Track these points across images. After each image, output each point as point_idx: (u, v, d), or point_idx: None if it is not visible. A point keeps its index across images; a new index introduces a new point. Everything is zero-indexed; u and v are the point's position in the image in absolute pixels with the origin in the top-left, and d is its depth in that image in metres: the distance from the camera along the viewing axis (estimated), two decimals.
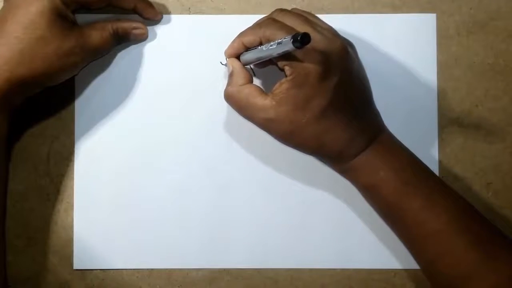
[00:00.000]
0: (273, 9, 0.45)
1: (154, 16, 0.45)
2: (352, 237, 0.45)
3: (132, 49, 0.45)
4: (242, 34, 0.41)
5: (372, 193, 0.41)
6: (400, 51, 0.46)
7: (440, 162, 0.45)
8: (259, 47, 0.39)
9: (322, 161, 0.44)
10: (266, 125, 0.40)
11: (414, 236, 0.40)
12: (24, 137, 0.45)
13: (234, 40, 0.41)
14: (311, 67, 0.37)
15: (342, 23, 0.45)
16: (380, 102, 0.43)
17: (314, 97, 0.38)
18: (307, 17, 0.40)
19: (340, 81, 0.38)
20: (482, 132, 0.46)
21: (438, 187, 0.41)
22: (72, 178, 0.45)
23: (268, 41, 0.38)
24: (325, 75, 0.38)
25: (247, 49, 0.41)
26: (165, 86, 0.46)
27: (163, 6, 0.46)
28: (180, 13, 0.46)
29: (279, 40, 0.36)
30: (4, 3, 0.40)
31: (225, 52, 0.42)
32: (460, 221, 0.39)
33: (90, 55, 0.42)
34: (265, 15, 0.42)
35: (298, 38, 0.34)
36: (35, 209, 0.45)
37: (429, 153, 0.45)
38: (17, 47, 0.38)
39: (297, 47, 0.34)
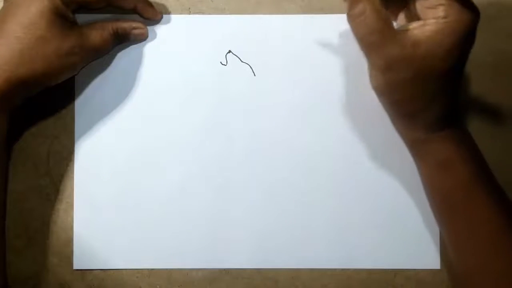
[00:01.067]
0: (273, 9, 0.46)
1: (154, 16, 0.45)
2: (352, 237, 0.45)
3: (132, 49, 0.45)
4: None
5: (445, 172, 0.39)
6: None
7: None
8: None
9: (403, 126, 0.40)
10: (391, 63, 0.35)
11: (473, 225, 0.39)
12: (24, 137, 0.45)
13: None
14: (471, 19, 0.35)
15: (342, 23, 0.45)
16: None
17: (456, 50, 0.35)
18: None
19: (469, 52, 0.36)
20: (482, 132, 0.46)
21: (500, 187, 0.40)
22: (72, 178, 0.45)
23: None
24: (472, 32, 0.35)
25: None
26: (165, 86, 0.46)
27: (163, 6, 0.46)
28: (180, 13, 0.46)
29: None
30: (4, 3, 0.40)
31: None
32: None
33: (90, 55, 0.42)
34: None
35: None
36: (35, 209, 0.45)
37: None
38: (17, 47, 0.38)
39: None
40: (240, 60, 0.45)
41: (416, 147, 0.41)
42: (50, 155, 0.45)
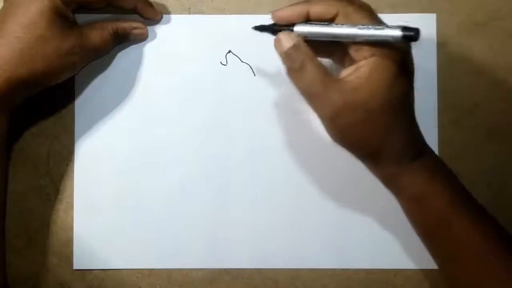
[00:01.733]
0: (273, 9, 0.45)
1: (154, 16, 0.45)
2: (352, 237, 0.45)
3: (132, 49, 0.45)
4: (310, 2, 0.37)
5: (420, 205, 0.39)
6: None
7: None
8: (342, 26, 0.35)
9: (371, 165, 0.40)
10: (335, 113, 0.36)
11: (457, 255, 0.38)
12: (24, 137, 0.45)
13: (297, 5, 0.37)
14: (395, 54, 0.35)
15: None
16: None
17: (393, 86, 0.35)
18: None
19: (412, 75, 0.37)
20: (482, 132, 0.46)
21: (480, 208, 0.39)
22: (72, 178, 0.45)
23: (347, 17, 0.35)
24: (405, 65, 0.36)
25: (306, 21, 0.37)
26: (165, 86, 0.46)
27: (163, 6, 0.46)
28: (180, 13, 0.46)
29: (380, 29, 0.34)
30: (4, 3, 0.40)
31: (275, 15, 0.38)
32: (501, 243, 0.38)
33: (90, 55, 0.42)
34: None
35: (412, 34, 0.32)
36: (35, 209, 0.45)
37: None
38: (17, 47, 0.38)
39: (407, 40, 0.33)
40: (240, 60, 0.45)
41: (388, 182, 0.40)
42: (50, 155, 0.45)
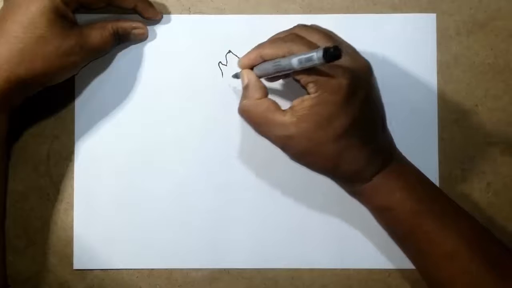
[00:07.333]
0: (273, 9, 0.46)
1: (154, 15, 0.45)
2: (352, 237, 0.45)
3: (132, 49, 0.45)
4: (261, 47, 0.39)
5: (386, 215, 0.41)
6: (400, 51, 0.46)
7: (440, 162, 0.45)
8: (280, 59, 0.37)
9: (336, 182, 0.43)
10: (284, 142, 0.38)
11: (427, 258, 0.40)
12: (24, 137, 0.45)
13: (251, 51, 0.40)
14: (337, 85, 0.36)
15: (342, 23, 0.45)
16: None
17: (338, 116, 0.37)
18: (330, 34, 0.39)
19: (363, 100, 0.38)
20: (482, 132, 0.46)
21: (451, 208, 0.40)
22: (72, 178, 0.45)
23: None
24: (351, 94, 0.37)
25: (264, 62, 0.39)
26: (165, 86, 0.46)
27: (163, 6, 0.46)
28: (180, 13, 0.46)
29: (306, 53, 0.34)
30: (4, 3, 0.40)
31: (239, 63, 0.41)
32: (473, 243, 0.39)
33: (90, 55, 0.42)
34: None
35: (331, 51, 0.32)
36: (35, 209, 0.45)
37: (429, 153, 0.45)
38: (17, 47, 0.38)
39: (328, 61, 0.33)
40: None
41: (353, 196, 0.43)
42: (50, 155, 0.45)
